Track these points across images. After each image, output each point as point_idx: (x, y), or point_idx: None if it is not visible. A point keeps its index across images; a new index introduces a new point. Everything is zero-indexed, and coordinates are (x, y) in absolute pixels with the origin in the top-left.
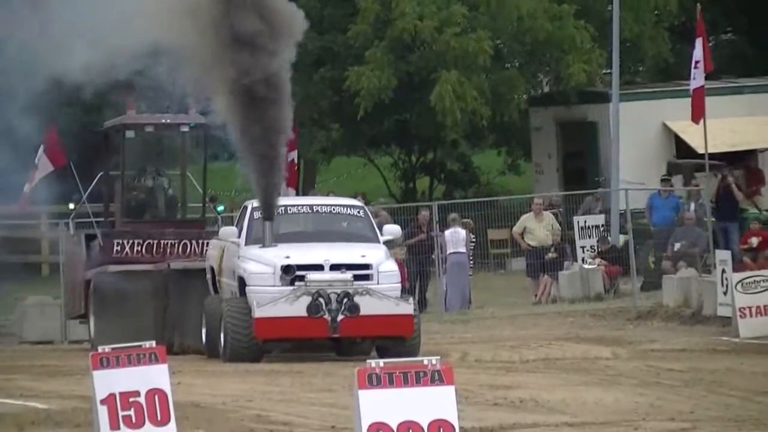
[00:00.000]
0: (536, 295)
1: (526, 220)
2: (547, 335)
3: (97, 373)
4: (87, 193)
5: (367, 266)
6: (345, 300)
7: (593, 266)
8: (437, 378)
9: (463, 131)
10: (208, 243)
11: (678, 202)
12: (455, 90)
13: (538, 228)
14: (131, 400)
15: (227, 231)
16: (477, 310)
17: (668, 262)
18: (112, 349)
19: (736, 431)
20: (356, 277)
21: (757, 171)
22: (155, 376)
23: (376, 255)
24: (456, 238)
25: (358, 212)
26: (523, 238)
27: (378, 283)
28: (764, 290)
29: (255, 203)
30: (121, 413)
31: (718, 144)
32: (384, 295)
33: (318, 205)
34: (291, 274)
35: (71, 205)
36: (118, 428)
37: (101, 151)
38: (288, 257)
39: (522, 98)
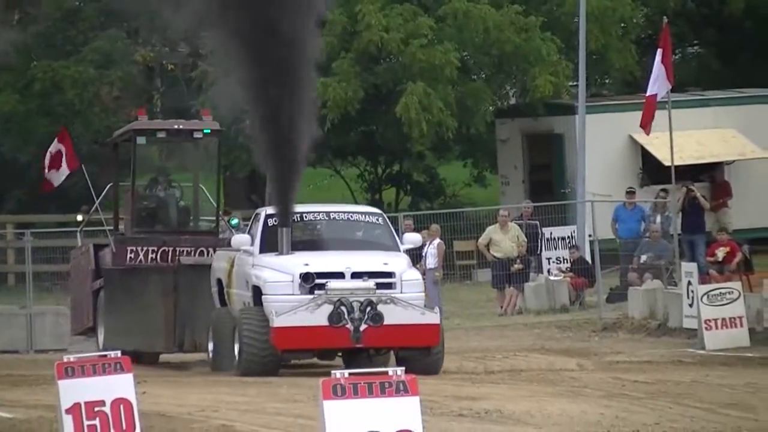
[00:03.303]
0: (502, 307)
1: (492, 231)
2: (512, 346)
3: (62, 382)
4: (98, 202)
5: (390, 274)
6: (368, 309)
7: (559, 278)
8: (402, 389)
9: (430, 143)
10: None
11: (644, 214)
12: (421, 102)
13: (503, 240)
14: (96, 409)
15: (240, 239)
16: (443, 321)
17: (634, 274)
18: (77, 358)
19: None
20: (379, 286)
21: (723, 183)
22: (120, 385)
23: (398, 263)
24: (438, 251)
25: (377, 219)
26: (488, 249)
27: (401, 292)
28: (730, 302)
29: (269, 210)
30: (86, 423)
31: (684, 156)
32: (409, 304)
33: (335, 212)
34: (310, 282)
35: (79, 217)
36: None
37: (110, 161)
38: (307, 265)
39: (488, 110)
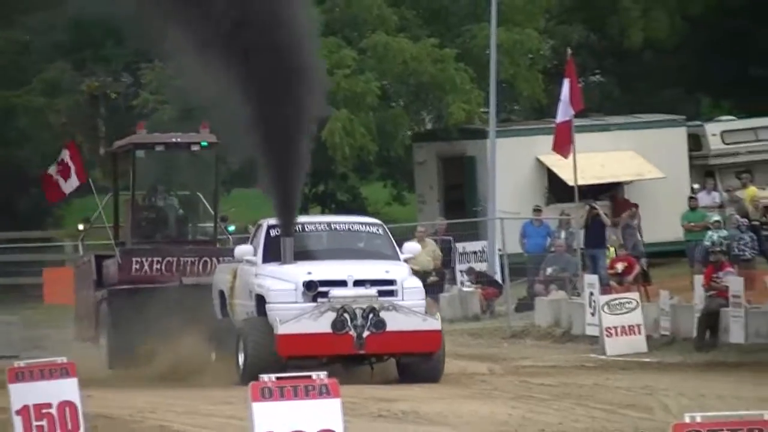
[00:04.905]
0: None
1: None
2: None
3: (12, 386)
4: (96, 214)
5: (391, 282)
6: (371, 316)
7: (471, 289)
8: (324, 391)
9: (353, 165)
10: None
11: (549, 230)
12: (345, 127)
13: (420, 254)
14: (44, 411)
15: (243, 249)
16: None
17: (540, 286)
18: (27, 364)
19: None
20: (381, 293)
21: (623, 201)
22: (66, 389)
23: (399, 271)
24: None
25: (377, 230)
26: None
27: (403, 299)
28: (629, 312)
29: (271, 221)
30: (34, 423)
31: (587, 177)
32: (410, 310)
33: (336, 223)
34: (313, 290)
35: (80, 226)
36: None
37: (110, 172)
38: (310, 273)
39: (406, 135)
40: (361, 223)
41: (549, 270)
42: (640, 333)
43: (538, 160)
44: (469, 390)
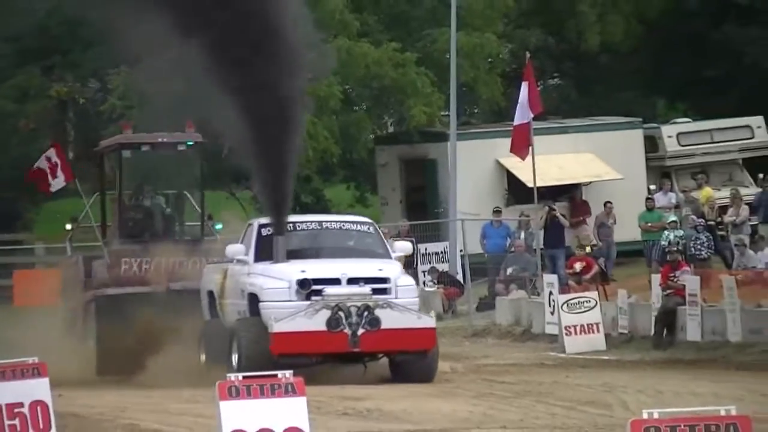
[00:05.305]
0: None
1: None
2: None
3: None
4: (83, 214)
5: (385, 280)
6: (365, 313)
7: (433, 289)
8: (290, 390)
9: (316, 167)
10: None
11: (509, 231)
12: (308, 130)
13: None
14: (16, 410)
15: (234, 249)
16: None
17: (501, 285)
18: None
19: None
20: (374, 291)
21: (582, 203)
22: (37, 389)
23: (392, 269)
24: None
25: (368, 229)
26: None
27: (396, 297)
28: (587, 310)
29: (262, 220)
30: (7, 423)
31: (546, 179)
32: (405, 308)
33: (327, 222)
34: (307, 288)
35: (68, 226)
36: None
37: (96, 173)
38: (303, 271)
39: (369, 138)
40: (353, 222)
41: (509, 270)
42: (598, 331)
43: (498, 163)
44: (432, 388)
